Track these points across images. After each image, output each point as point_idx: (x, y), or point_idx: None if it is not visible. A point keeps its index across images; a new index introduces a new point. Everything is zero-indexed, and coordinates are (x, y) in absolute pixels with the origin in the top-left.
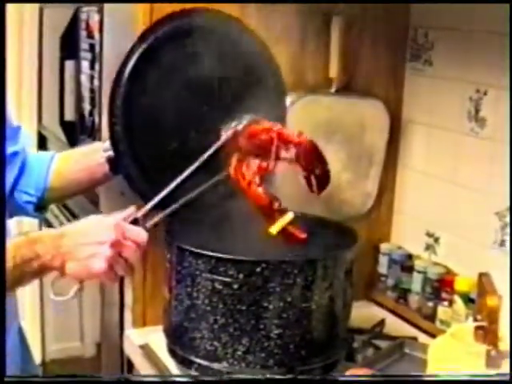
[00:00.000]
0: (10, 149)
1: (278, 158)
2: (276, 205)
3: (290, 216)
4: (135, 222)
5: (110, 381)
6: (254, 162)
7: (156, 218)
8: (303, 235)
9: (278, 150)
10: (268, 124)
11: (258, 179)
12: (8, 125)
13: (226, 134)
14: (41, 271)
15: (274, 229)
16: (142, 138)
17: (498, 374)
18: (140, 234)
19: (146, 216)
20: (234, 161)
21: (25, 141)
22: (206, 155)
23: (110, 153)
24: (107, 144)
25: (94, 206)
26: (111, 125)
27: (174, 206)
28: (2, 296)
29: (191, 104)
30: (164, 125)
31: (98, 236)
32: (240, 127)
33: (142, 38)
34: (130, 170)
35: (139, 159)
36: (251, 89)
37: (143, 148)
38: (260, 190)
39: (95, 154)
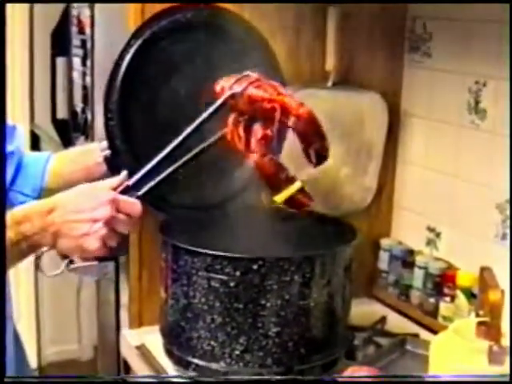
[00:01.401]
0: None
1: (282, 126)
2: (283, 175)
3: (297, 185)
4: (127, 189)
5: (109, 381)
6: (257, 129)
7: (148, 186)
8: (311, 200)
9: (281, 118)
10: (269, 90)
11: (262, 147)
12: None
13: (223, 96)
14: (30, 250)
15: (280, 197)
16: (138, 134)
17: (498, 375)
18: (134, 206)
19: (138, 183)
20: (230, 122)
21: (20, 140)
22: (201, 118)
23: (108, 152)
24: (105, 143)
25: None
26: (107, 120)
27: (167, 172)
28: (2, 296)
29: (188, 100)
30: (161, 121)
31: (92, 213)
32: (239, 90)
33: (139, 32)
34: (126, 166)
35: (136, 155)
36: None
37: (140, 144)
38: (266, 159)
39: (92, 154)
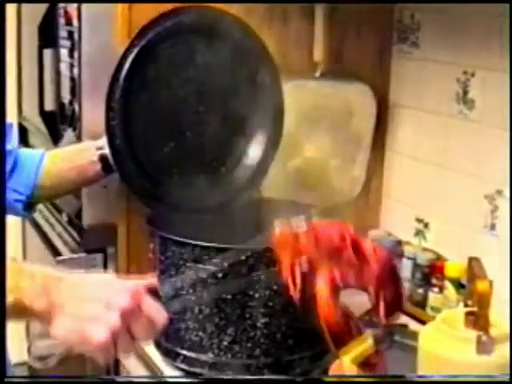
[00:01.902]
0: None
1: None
2: (352, 327)
3: (369, 342)
4: (154, 293)
5: (109, 381)
6: (323, 272)
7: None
8: (385, 366)
9: (349, 259)
10: (338, 228)
11: (327, 291)
12: None
13: (279, 233)
14: (16, 311)
15: (348, 357)
16: (138, 135)
17: (498, 375)
18: (160, 313)
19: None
20: (285, 261)
21: (15, 138)
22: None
23: (103, 151)
24: (100, 142)
25: (77, 199)
26: (108, 119)
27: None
28: (2, 296)
29: (188, 103)
30: (161, 123)
31: (109, 296)
32: (301, 227)
33: (143, 32)
34: (125, 165)
35: (135, 155)
36: (249, 88)
37: (140, 144)
38: (333, 313)
39: (87, 153)
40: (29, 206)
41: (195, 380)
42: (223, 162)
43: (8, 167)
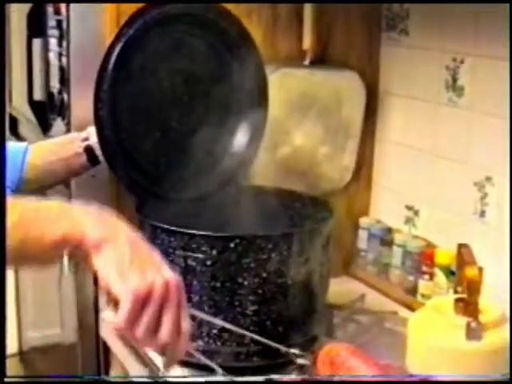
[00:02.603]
0: None
1: None
2: None
3: None
4: None
5: (108, 381)
6: None
7: None
8: None
9: None
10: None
11: None
12: None
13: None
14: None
15: None
16: (127, 125)
17: (498, 375)
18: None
19: None
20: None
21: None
22: None
23: (88, 142)
24: (84, 134)
25: (66, 188)
26: (96, 110)
27: None
28: (2, 296)
29: (174, 93)
30: (148, 113)
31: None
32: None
33: (130, 22)
34: (114, 156)
35: (124, 145)
36: (234, 77)
37: (128, 134)
38: None
39: (72, 144)
40: None
41: (194, 380)
42: (209, 152)
43: None
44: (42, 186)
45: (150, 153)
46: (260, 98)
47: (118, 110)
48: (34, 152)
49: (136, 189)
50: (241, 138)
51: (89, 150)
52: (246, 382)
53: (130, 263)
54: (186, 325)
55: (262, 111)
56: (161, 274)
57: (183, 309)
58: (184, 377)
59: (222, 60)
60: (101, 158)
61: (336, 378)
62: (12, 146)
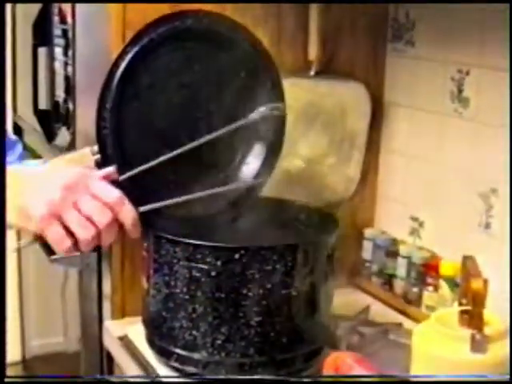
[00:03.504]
0: (8, 158)
1: None
2: None
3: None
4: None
5: (107, 381)
6: None
7: (132, 172)
8: None
9: None
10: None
11: None
12: (7, 136)
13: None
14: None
15: None
16: (131, 144)
17: (498, 375)
18: (110, 192)
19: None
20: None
21: (19, 152)
22: None
23: (99, 156)
24: (96, 147)
25: None
26: (99, 129)
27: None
28: (2, 296)
29: (184, 110)
30: (155, 131)
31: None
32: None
33: (136, 39)
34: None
35: (129, 164)
36: (249, 94)
37: (133, 154)
38: None
39: (84, 158)
40: None
41: (191, 380)
42: (222, 170)
43: None
44: None
45: (158, 171)
46: (277, 116)
47: (122, 128)
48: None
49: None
50: (253, 161)
51: (100, 164)
52: (248, 382)
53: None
54: None
55: (278, 130)
56: None
57: None
58: (180, 377)
59: (233, 73)
60: None
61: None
62: (30, 162)
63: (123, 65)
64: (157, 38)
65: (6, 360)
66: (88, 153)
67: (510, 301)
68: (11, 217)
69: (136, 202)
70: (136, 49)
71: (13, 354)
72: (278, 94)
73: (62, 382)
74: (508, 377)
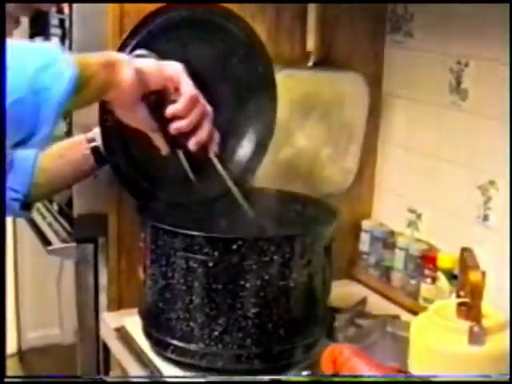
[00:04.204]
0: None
1: None
2: None
3: None
4: None
5: (108, 381)
6: None
7: None
8: None
9: None
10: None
11: None
12: None
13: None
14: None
15: None
16: (133, 134)
17: (498, 375)
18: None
19: None
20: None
21: None
22: None
23: (95, 144)
24: (91, 134)
25: (68, 189)
26: (102, 121)
27: None
28: (2, 296)
29: None
30: None
31: None
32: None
33: (134, 32)
34: (120, 165)
35: (131, 155)
36: (242, 82)
37: (135, 146)
38: None
39: (79, 146)
40: (26, 204)
41: (192, 380)
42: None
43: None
44: (52, 189)
45: (158, 159)
46: (268, 103)
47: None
48: (43, 157)
49: (141, 194)
50: (247, 144)
51: (96, 151)
52: (248, 381)
53: None
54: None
55: (269, 117)
56: None
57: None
58: (184, 377)
59: (229, 64)
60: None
61: (336, 379)
62: (24, 152)
63: None
64: (154, 30)
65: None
66: (83, 140)
67: (510, 295)
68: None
69: (135, 189)
70: (135, 41)
71: (9, 345)
72: (270, 80)
73: (62, 381)
74: (508, 377)
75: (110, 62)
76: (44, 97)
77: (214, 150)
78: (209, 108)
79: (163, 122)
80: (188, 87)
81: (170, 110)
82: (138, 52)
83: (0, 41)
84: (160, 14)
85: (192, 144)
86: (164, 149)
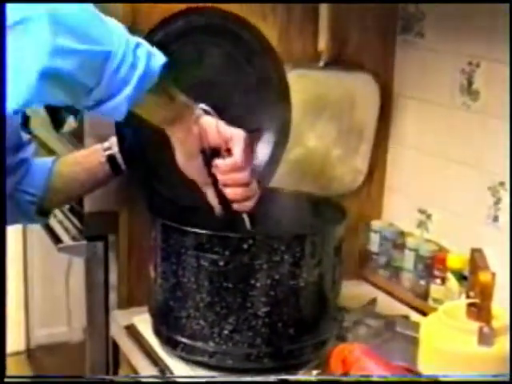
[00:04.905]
0: (19, 156)
1: None
2: None
3: None
4: None
5: (109, 381)
6: None
7: None
8: None
9: None
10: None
11: None
12: (20, 137)
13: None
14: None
15: None
16: (149, 137)
17: (498, 375)
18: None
19: None
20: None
21: (31, 151)
22: None
23: (111, 152)
24: (107, 143)
25: None
26: (118, 122)
27: None
28: (2, 296)
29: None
30: None
31: None
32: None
33: (151, 33)
34: (135, 167)
35: (146, 157)
36: (257, 88)
37: (150, 147)
38: None
39: (95, 154)
40: (42, 209)
41: (199, 380)
42: None
43: (20, 172)
44: (68, 196)
45: (173, 163)
46: (283, 110)
47: (139, 121)
48: (60, 163)
49: (155, 195)
50: (263, 150)
51: (112, 160)
52: (249, 382)
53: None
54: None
55: (283, 123)
56: None
57: None
58: (192, 377)
59: (242, 69)
60: (123, 167)
61: (345, 379)
62: (42, 159)
63: None
64: (171, 33)
65: (10, 350)
66: (99, 149)
67: (510, 295)
68: None
69: (149, 191)
70: (152, 42)
71: (17, 343)
72: (284, 91)
73: (62, 382)
74: (508, 377)
75: (188, 104)
76: (132, 63)
77: (248, 206)
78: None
79: (216, 180)
80: (238, 152)
81: (218, 162)
82: (201, 106)
83: (0, 41)
84: (179, 17)
85: (236, 207)
86: (216, 207)
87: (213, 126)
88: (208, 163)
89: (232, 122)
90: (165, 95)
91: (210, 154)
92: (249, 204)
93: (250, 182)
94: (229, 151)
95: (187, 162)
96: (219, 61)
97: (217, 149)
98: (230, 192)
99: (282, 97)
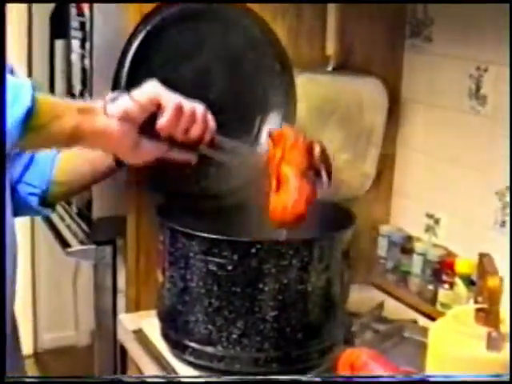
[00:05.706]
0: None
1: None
2: None
3: None
4: None
5: (111, 381)
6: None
7: None
8: None
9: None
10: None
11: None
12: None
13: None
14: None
15: None
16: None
17: (498, 375)
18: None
19: None
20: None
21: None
22: None
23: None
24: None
25: (87, 191)
26: None
27: None
28: (2, 297)
29: (195, 90)
30: None
31: None
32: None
33: (148, 18)
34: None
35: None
36: (258, 76)
37: None
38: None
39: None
40: (44, 201)
41: (203, 380)
42: (242, 138)
43: (22, 163)
44: (71, 188)
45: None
46: (287, 98)
47: None
48: (63, 156)
49: (159, 188)
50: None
51: None
52: (249, 382)
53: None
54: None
55: (288, 112)
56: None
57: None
58: (198, 377)
59: (243, 59)
60: None
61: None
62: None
63: (136, 43)
64: (168, 18)
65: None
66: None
67: (510, 295)
68: None
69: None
70: (148, 27)
71: (25, 347)
72: (288, 79)
73: (63, 382)
74: (508, 377)
75: (85, 108)
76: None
77: (207, 139)
78: (198, 105)
79: (171, 140)
80: (167, 99)
81: (158, 126)
82: (111, 96)
83: (0, 41)
84: (176, 2)
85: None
86: (190, 158)
87: (131, 105)
88: (153, 132)
89: (232, 109)
90: (47, 126)
91: (151, 126)
92: (207, 136)
93: (194, 114)
94: (160, 107)
95: (136, 153)
96: (218, 47)
97: (153, 115)
98: (187, 136)
99: (286, 90)
